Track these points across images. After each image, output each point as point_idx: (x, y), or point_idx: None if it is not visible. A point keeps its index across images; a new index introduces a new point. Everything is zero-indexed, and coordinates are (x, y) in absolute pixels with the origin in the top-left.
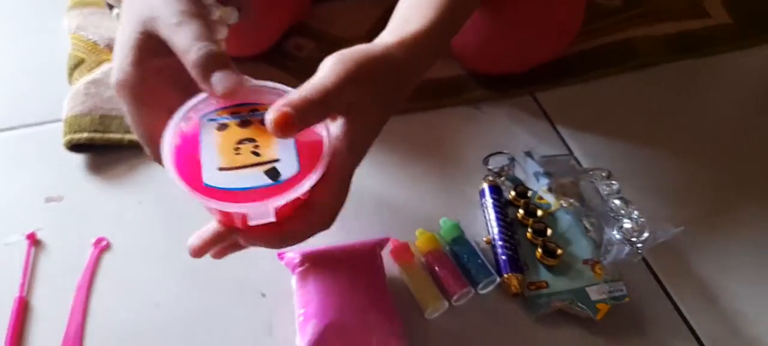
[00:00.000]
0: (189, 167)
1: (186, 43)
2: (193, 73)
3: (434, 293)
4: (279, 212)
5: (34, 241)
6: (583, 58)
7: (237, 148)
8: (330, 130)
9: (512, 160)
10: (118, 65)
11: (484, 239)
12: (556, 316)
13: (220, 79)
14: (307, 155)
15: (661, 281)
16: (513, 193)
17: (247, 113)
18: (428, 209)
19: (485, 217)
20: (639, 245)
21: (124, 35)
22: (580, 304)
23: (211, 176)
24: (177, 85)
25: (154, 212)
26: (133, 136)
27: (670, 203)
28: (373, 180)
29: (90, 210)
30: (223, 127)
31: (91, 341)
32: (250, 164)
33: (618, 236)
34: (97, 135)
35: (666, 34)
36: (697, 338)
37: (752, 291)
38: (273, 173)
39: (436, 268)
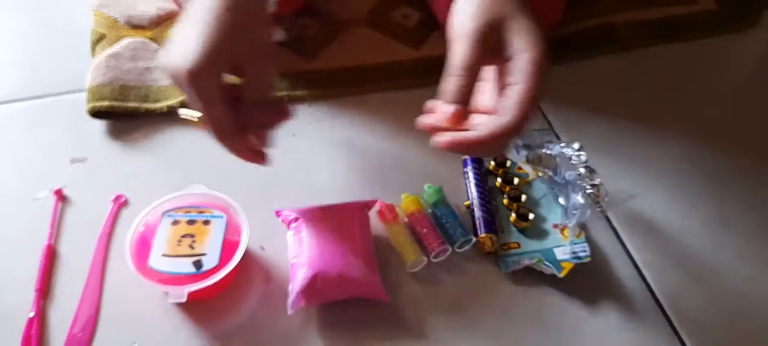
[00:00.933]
0: (143, 249)
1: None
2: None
3: (415, 249)
4: (193, 294)
5: (60, 196)
6: (568, 41)
7: (179, 241)
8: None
9: None
10: (190, 57)
11: (465, 203)
12: (525, 273)
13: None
14: (229, 252)
15: (623, 243)
16: (493, 163)
17: (195, 214)
18: (414, 175)
19: (466, 184)
20: (600, 207)
21: (201, 28)
22: (546, 262)
23: (155, 260)
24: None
25: (167, 173)
26: (150, 106)
27: (637, 173)
28: (364, 149)
29: (110, 170)
30: (176, 223)
31: (110, 284)
32: (184, 255)
33: (582, 200)
34: (117, 103)
35: (649, 19)
36: (654, 295)
37: (709, 253)
38: (198, 264)
39: (418, 228)
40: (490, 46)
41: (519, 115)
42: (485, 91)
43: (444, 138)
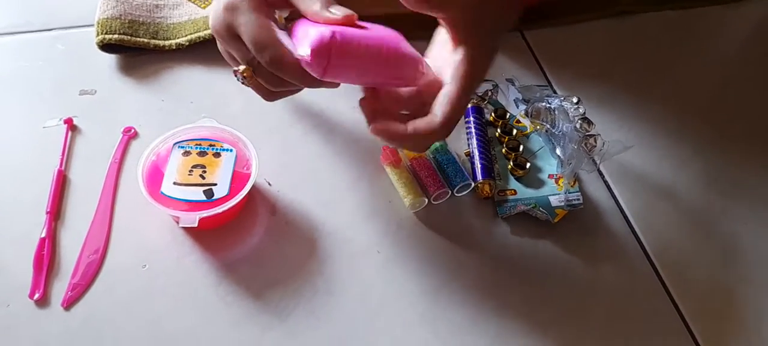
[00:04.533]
0: (154, 177)
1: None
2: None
3: (416, 190)
4: (203, 221)
5: (71, 125)
6: (572, 2)
7: (191, 171)
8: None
9: (495, 86)
10: None
11: (465, 151)
12: (519, 217)
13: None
14: (238, 184)
15: (615, 196)
16: (493, 115)
17: (206, 146)
18: None
19: (467, 133)
20: (595, 158)
21: None
22: (541, 208)
23: (166, 187)
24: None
25: (175, 108)
26: (159, 42)
27: (629, 130)
28: None
29: (119, 103)
30: (186, 153)
31: (120, 210)
32: (195, 183)
33: (578, 149)
34: (127, 37)
35: None
36: (641, 243)
37: (696, 208)
38: (208, 193)
39: (420, 171)
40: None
41: (445, 119)
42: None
43: (377, 125)
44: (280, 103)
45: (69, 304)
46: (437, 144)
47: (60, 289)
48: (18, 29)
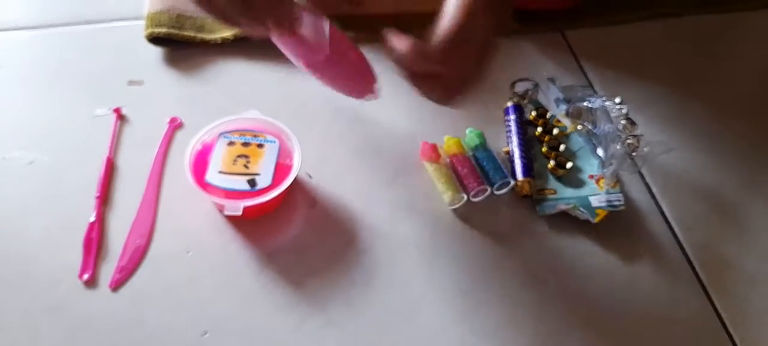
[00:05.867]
0: (200, 166)
1: None
2: None
3: (455, 186)
4: (246, 210)
5: (119, 115)
6: (613, 3)
7: (235, 160)
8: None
9: (536, 86)
10: None
11: (504, 149)
12: (559, 217)
13: None
14: (281, 174)
15: (655, 198)
16: (533, 113)
17: (250, 137)
18: (456, 120)
19: (507, 131)
20: (638, 160)
21: None
22: (581, 208)
23: (211, 176)
24: None
25: (218, 100)
26: (205, 36)
27: (672, 132)
28: (408, 92)
29: (166, 94)
30: (231, 144)
31: (166, 197)
32: (239, 173)
33: (620, 150)
34: (174, 30)
35: None
36: (681, 246)
37: (738, 212)
38: (252, 183)
39: (459, 168)
40: None
41: (440, 45)
42: None
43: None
44: (321, 97)
45: (116, 286)
46: (477, 140)
47: (108, 271)
48: (69, 21)
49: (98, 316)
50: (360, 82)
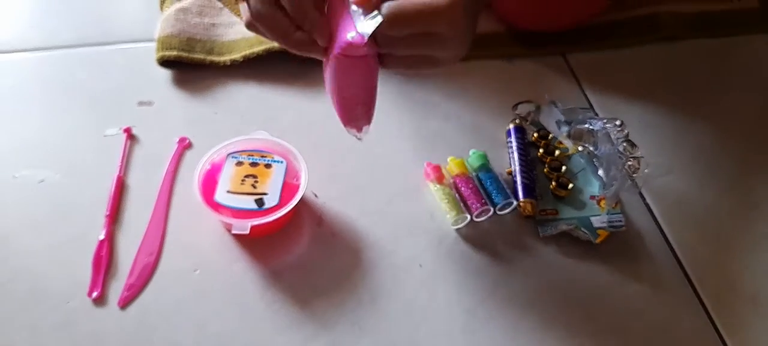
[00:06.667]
0: (208, 185)
1: None
2: None
3: (459, 206)
4: (253, 229)
5: (129, 134)
6: (614, 27)
7: (243, 180)
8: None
9: (538, 108)
10: None
11: (507, 170)
12: (561, 237)
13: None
14: (288, 194)
15: (656, 219)
16: (535, 135)
17: (258, 157)
18: (460, 141)
19: (509, 152)
20: (638, 181)
21: None
22: (583, 229)
23: (220, 195)
24: None
25: (227, 121)
26: (214, 58)
27: (672, 154)
28: (412, 113)
29: (175, 115)
30: (239, 163)
31: (174, 215)
32: (247, 193)
33: (621, 172)
34: (184, 53)
35: (692, 12)
36: (682, 267)
37: (738, 233)
38: (259, 202)
39: (462, 188)
40: None
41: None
42: None
43: None
44: (327, 119)
45: (125, 303)
46: (480, 161)
47: (117, 289)
48: (80, 43)
49: (107, 333)
50: (356, 111)
